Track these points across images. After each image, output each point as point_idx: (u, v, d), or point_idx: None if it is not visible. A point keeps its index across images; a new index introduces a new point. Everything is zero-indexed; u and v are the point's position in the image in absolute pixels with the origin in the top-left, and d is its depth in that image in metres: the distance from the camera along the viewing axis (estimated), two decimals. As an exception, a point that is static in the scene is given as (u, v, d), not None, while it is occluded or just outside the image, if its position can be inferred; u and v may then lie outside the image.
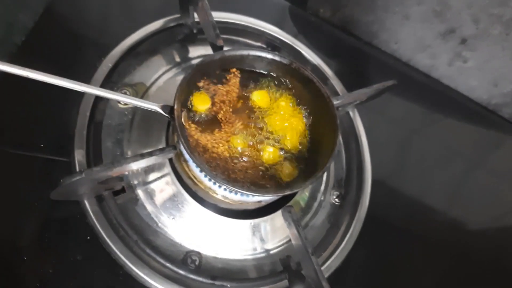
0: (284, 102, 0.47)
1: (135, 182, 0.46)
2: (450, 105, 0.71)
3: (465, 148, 0.67)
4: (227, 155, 0.42)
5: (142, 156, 0.38)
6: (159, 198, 0.46)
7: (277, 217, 0.48)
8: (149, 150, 0.39)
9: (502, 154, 0.71)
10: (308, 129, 0.46)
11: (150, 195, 0.46)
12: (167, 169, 0.46)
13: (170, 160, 0.47)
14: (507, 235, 0.61)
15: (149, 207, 0.45)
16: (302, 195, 0.52)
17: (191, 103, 0.43)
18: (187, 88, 0.41)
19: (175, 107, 0.39)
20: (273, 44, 0.59)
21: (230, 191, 0.41)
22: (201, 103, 0.43)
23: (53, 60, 0.47)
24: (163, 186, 0.46)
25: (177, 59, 0.53)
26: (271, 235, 0.49)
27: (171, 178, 0.46)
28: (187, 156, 0.41)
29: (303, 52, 0.59)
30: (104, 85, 0.47)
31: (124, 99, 0.37)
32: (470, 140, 0.69)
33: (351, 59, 0.66)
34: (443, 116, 0.69)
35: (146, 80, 0.50)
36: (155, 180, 0.46)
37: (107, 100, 0.47)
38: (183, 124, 0.40)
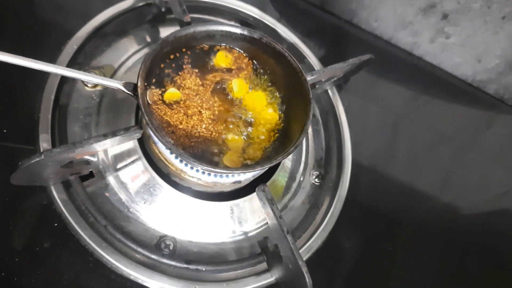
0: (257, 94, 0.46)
1: (105, 167, 0.44)
2: (434, 83, 0.70)
3: (449, 127, 0.66)
4: (197, 134, 0.40)
5: (105, 136, 0.36)
6: (130, 182, 0.44)
7: (255, 198, 0.46)
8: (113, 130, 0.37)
9: (489, 132, 0.70)
10: (281, 108, 0.45)
11: (121, 180, 0.44)
12: (138, 153, 0.45)
13: (142, 144, 0.46)
14: (497, 218, 0.60)
15: (119, 192, 0.44)
16: (281, 175, 0.51)
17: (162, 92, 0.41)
18: (152, 66, 0.40)
19: (139, 84, 0.37)
20: (246, 23, 0.57)
21: (197, 170, 0.39)
22: (172, 97, 0.42)
23: (16, 42, 0.45)
24: (134, 170, 0.45)
25: (147, 39, 0.52)
26: (249, 217, 0.47)
27: (142, 162, 0.45)
28: (152, 134, 0.39)
29: (278, 30, 0.58)
30: (69, 67, 0.45)
31: (83, 77, 0.35)
32: (455, 118, 0.68)
33: (330, 38, 0.65)
34: (427, 94, 0.68)
35: (114, 62, 0.49)
36: (126, 165, 0.45)
37: (72, 83, 0.45)
38: (147, 101, 0.39)
